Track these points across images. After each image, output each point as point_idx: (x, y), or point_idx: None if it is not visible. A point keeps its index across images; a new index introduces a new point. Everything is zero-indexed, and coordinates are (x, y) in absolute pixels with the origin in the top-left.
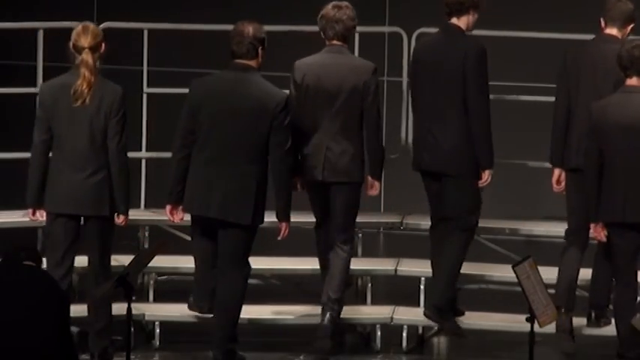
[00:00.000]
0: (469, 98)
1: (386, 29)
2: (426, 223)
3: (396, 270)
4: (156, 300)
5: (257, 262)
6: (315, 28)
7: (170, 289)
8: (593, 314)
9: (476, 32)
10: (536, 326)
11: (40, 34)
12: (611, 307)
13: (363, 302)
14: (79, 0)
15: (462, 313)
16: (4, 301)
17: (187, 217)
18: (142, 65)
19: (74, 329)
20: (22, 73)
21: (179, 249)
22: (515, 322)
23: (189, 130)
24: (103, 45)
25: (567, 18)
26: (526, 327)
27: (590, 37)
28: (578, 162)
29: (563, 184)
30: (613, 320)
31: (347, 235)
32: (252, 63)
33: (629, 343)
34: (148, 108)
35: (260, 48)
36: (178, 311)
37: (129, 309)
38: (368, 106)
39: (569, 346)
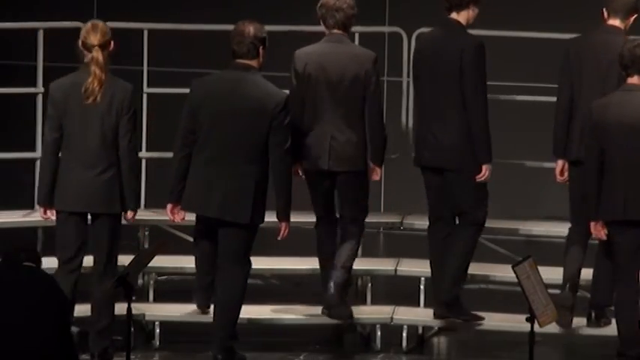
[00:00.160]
0: (466, 93)
1: (386, 29)
2: (426, 223)
3: (396, 270)
4: (156, 300)
5: (257, 262)
6: (315, 28)
7: (170, 289)
8: (593, 314)
9: (476, 32)
10: (536, 326)
11: (40, 34)
12: (611, 307)
13: (363, 302)
14: (79, 0)
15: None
16: (4, 302)
17: (188, 217)
18: (142, 65)
19: (74, 329)
20: (22, 73)
21: (179, 249)
22: (515, 322)
23: (190, 129)
24: (112, 43)
25: (567, 18)
26: (526, 327)
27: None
28: (580, 154)
29: (566, 174)
30: (613, 320)
31: (357, 230)
32: (253, 63)
33: (630, 342)
34: (148, 108)
35: (261, 48)
36: (178, 311)
37: (129, 309)
38: (370, 94)
39: (566, 321)
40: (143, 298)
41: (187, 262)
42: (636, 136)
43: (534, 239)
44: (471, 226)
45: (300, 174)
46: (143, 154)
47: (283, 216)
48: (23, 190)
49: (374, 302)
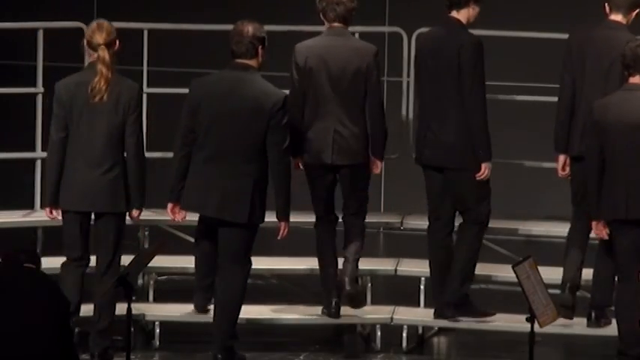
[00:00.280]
0: (464, 91)
1: (386, 29)
2: (426, 223)
3: (396, 270)
4: (156, 300)
5: (257, 262)
6: (315, 28)
7: (170, 289)
8: (593, 314)
9: (476, 32)
10: (536, 326)
11: (40, 34)
12: (612, 307)
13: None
14: (79, 0)
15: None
16: (4, 303)
17: (189, 217)
18: (142, 65)
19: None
20: (22, 73)
21: (179, 249)
22: (515, 322)
23: (190, 129)
24: (117, 42)
25: (567, 18)
26: (526, 327)
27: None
28: (581, 150)
29: (568, 169)
30: (613, 320)
31: (360, 221)
32: (252, 62)
33: (631, 342)
34: (148, 108)
35: (260, 47)
36: (178, 311)
37: (129, 309)
38: (371, 88)
39: (567, 299)
40: (143, 298)
41: (187, 262)
42: (637, 135)
43: (534, 239)
44: (474, 226)
45: (301, 167)
46: None
47: (283, 216)
48: (23, 190)
49: (374, 302)
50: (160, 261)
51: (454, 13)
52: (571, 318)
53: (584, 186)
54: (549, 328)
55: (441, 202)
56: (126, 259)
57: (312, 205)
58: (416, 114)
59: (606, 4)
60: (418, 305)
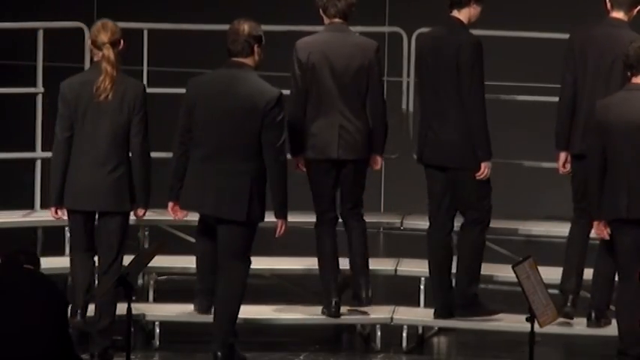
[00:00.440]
0: (464, 91)
1: (386, 29)
2: (426, 223)
3: (396, 270)
4: (156, 300)
5: (257, 262)
6: (314, 28)
7: (170, 289)
8: (593, 314)
9: (476, 32)
10: (536, 326)
11: (40, 34)
12: (612, 307)
13: None
14: (79, 0)
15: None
16: (4, 304)
17: (189, 217)
18: (142, 65)
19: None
20: (22, 73)
21: (179, 249)
22: (515, 322)
23: (187, 128)
24: (122, 41)
25: (567, 18)
26: (526, 327)
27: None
28: (582, 148)
29: (569, 166)
30: (613, 320)
31: (359, 210)
32: (248, 61)
33: (631, 341)
34: (148, 108)
35: (256, 46)
36: (178, 311)
37: (129, 309)
38: (373, 83)
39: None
40: (143, 298)
41: (187, 262)
42: (639, 136)
43: (534, 239)
44: (476, 225)
45: (302, 168)
46: None
47: (280, 213)
48: (23, 190)
49: (374, 302)
50: (159, 261)
51: (455, 13)
52: (571, 318)
53: (585, 184)
54: (549, 328)
55: (442, 202)
56: (126, 259)
57: (312, 204)
58: (417, 114)
59: (607, 1)
60: (418, 305)
